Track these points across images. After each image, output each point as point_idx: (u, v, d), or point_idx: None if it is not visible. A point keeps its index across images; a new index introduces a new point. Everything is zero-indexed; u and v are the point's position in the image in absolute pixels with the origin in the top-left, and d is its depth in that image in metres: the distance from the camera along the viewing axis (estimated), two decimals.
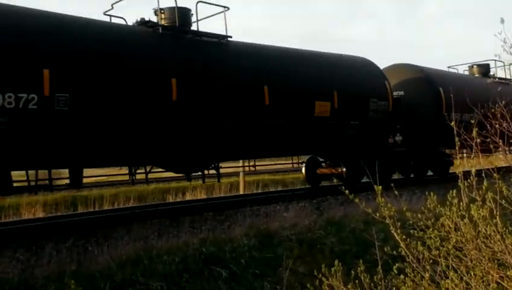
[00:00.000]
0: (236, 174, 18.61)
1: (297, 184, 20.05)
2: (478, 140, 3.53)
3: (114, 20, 10.22)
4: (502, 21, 4.29)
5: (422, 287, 3.32)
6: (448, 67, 18.50)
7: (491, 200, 3.23)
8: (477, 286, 3.17)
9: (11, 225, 9.94)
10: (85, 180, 9.85)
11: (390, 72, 15.18)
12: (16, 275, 5.22)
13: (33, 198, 13.09)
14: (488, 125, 4.03)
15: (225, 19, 10.95)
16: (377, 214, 3.54)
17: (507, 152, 4.12)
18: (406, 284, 3.36)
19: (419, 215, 3.47)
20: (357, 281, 3.42)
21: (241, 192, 17.23)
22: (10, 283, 5.00)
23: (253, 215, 8.50)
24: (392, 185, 4.00)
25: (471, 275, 3.21)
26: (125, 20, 10.36)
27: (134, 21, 10.23)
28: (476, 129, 3.49)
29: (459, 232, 3.31)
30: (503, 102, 4.21)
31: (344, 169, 13.86)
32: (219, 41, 10.89)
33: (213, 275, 5.67)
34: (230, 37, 11.07)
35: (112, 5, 10.35)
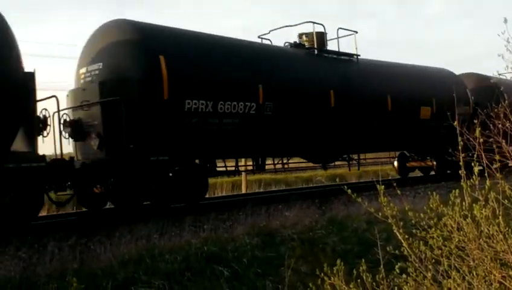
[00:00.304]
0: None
1: (299, 183, 20.05)
2: (481, 140, 3.52)
3: (264, 41, 12.97)
4: (505, 21, 4.26)
5: (425, 287, 3.31)
6: (499, 74, 19.87)
7: (494, 200, 3.22)
8: (480, 286, 3.16)
9: None
10: None
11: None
12: (18, 273, 5.23)
13: None
14: (491, 125, 4.01)
15: (355, 40, 13.50)
16: (379, 214, 3.53)
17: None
18: (408, 284, 3.36)
19: (421, 215, 3.46)
20: (359, 280, 3.41)
21: (243, 191, 17.21)
22: (12, 281, 5.01)
23: (255, 214, 8.50)
24: (395, 184, 3.98)
25: (473, 274, 3.20)
26: (270, 41, 12.93)
27: (287, 43, 12.95)
28: (479, 129, 3.48)
29: (461, 232, 3.30)
30: (506, 101, 4.19)
31: (435, 162, 17.00)
32: (351, 59, 13.43)
33: (215, 274, 5.67)
34: (359, 55, 13.59)
35: (269, 30, 13.32)
